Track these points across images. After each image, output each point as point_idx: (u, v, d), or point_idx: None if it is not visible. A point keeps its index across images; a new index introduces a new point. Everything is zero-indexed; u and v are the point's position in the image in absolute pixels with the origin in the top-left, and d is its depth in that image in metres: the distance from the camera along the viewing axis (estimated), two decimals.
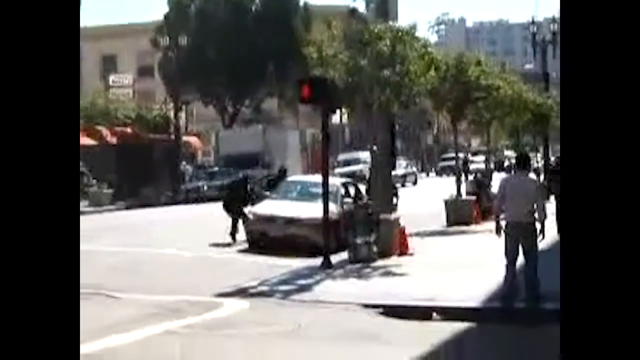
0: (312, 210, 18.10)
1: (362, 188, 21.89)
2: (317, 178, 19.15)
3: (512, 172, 13.34)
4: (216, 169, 43.92)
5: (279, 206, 19.80)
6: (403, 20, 19.19)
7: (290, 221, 19.01)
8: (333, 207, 17.78)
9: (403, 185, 46.49)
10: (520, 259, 11.30)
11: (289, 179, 24.25)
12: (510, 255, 11.25)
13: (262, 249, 18.72)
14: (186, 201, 37.76)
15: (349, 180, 23.93)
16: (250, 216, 19.62)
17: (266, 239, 19.14)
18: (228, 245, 19.90)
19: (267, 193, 21.79)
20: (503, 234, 11.39)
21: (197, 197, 38.41)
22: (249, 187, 22.07)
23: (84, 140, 40.99)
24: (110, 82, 50.18)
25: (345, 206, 19.11)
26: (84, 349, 9.08)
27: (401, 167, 48.87)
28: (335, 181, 20.66)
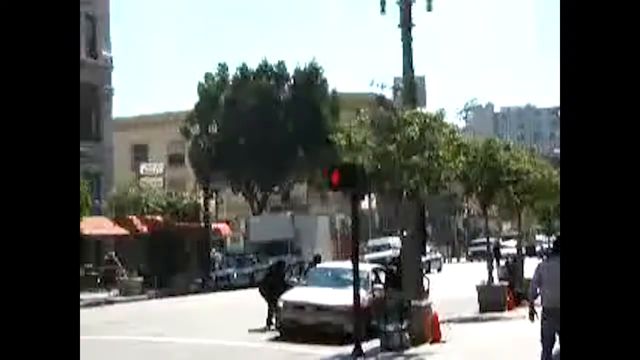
0: (342, 297, 17.95)
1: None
2: (347, 264, 19.05)
3: (545, 256, 13.16)
4: (247, 255, 43.93)
5: (310, 293, 19.67)
6: (431, 107, 19.33)
7: (321, 308, 18.86)
8: (363, 294, 17.63)
9: (428, 271, 46.01)
10: (556, 346, 11.06)
11: (319, 265, 24.16)
12: (547, 342, 11.01)
13: (294, 337, 18.53)
14: (215, 289, 37.63)
15: (379, 265, 23.78)
16: (281, 304, 19.48)
17: (298, 327, 18.97)
18: (262, 331, 19.72)
19: (296, 280, 21.69)
20: (538, 320, 11.17)
21: (227, 285, 38.32)
22: (284, 272, 22.07)
23: (116, 230, 41.34)
24: (142, 171, 50.70)
25: (375, 292, 18.95)
26: None
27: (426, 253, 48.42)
28: (365, 267, 20.54)
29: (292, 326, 19.06)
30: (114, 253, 39.47)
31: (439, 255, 57.21)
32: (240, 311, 25.99)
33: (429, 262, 50.40)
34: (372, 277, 20.00)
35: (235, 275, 39.68)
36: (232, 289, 37.10)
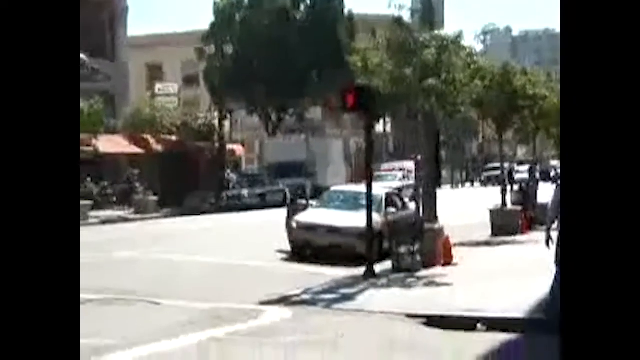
0: (355, 219, 18.07)
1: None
2: (360, 188, 19.13)
3: (559, 182, 13.10)
4: (259, 176, 44.06)
5: (323, 215, 19.83)
6: (449, 29, 19.08)
7: (333, 230, 19.01)
8: (376, 217, 17.72)
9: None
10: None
11: (333, 188, 24.25)
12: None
13: (306, 257, 18.74)
14: (227, 209, 37.83)
15: (393, 190, 23.87)
16: (294, 224, 19.64)
17: (310, 248, 19.16)
18: (278, 252, 19.95)
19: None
20: (554, 245, 11.18)
21: (237, 205, 38.38)
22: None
23: (131, 149, 41.52)
24: (156, 91, 50.55)
25: (388, 216, 19.06)
26: (131, 354, 9.20)
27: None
28: (378, 191, 20.61)
29: (305, 246, 19.27)
30: (136, 171, 39.69)
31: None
32: (252, 231, 26.22)
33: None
34: (385, 200, 20.08)
35: (247, 195, 39.76)
36: (244, 209, 37.28)
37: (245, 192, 40.15)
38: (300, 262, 18.37)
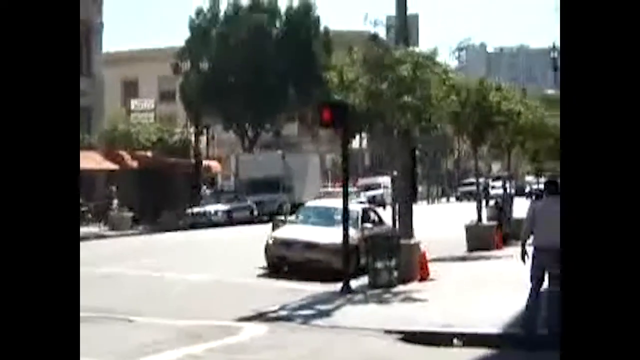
0: (331, 235, 18.07)
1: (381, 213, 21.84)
2: (336, 203, 19.12)
3: (534, 197, 13.14)
4: (229, 192, 43.80)
5: (299, 230, 19.80)
6: (424, 46, 19.23)
7: (309, 246, 18.99)
8: (353, 232, 17.74)
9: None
10: (544, 285, 11.18)
11: (308, 204, 24.25)
12: (535, 281, 11.12)
13: (282, 273, 18.71)
14: (192, 226, 36.86)
15: (369, 205, 23.93)
16: (271, 241, 19.61)
17: (286, 264, 19.14)
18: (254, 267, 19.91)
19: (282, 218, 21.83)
20: (529, 260, 11.25)
21: (203, 222, 37.31)
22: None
23: (106, 165, 41.31)
24: (132, 107, 50.42)
25: (365, 231, 19.08)
26: None
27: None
28: (355, 207, 20.64)
29: (281, 263, 19.23)
30: (115, 188, 39.46)
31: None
32: (227, 247, 26.15)
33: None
34: (361, 216, 20.09)
35: (212, 211, 38.72)
36: (210, 225, 36.53)
37: (211, 208, 39.12)
38: (277, 278, 18.33)
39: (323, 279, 17.24)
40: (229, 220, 38.29)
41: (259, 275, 18.97)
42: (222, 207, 39.17)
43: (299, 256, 18.98)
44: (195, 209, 39.19)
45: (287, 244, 19.28)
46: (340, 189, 37.98)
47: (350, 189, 19.53)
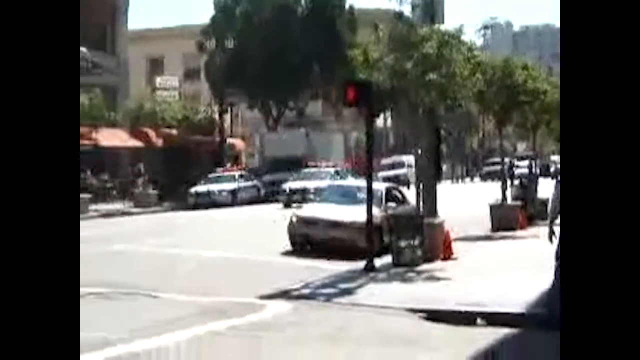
0: (354, 213, 18.07)
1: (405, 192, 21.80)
2: (360, 182, 19.08)
3: (559, 177, 13.04)
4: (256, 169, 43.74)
5: (322, 209, 19.83)
6: (449, 24, 19.08)
7: (333, 224, 19.01)
8: (376, 211, 17.70)
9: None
10: None
11: (332, 182, 24.27)
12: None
13: (305, 252, 18.75)
14: (194, 206, 36.03)
15: (393, 184, 23.90)
16: (294, 219, 19.64)
17: (309, 242, 19.18)
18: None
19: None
20: (556, 240, 11.15)
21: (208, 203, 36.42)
22: None
23: (131, 142, 41.54)
24: (157, 84, 50.56)
25: (388, 210, 19.06)
26: (132, 347, 9.20)
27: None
28: (378, 185, 20.62)
29: (305, 241, 19.28)
30: (141, 165, 39.66)
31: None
32: (248, 225, 26.23)
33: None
34: (385, 194, 20.07)
35: (216, 191, 37.42)
36: (213, 206, 35.56)
37: (214, 187, 37.83)
38: (300, 256, 18.37)
39: (346, 258, 17.25)
40: (233, 200, 37.19)
41: (282, 254, 19.02)
42: (224, 186, 37.82)
43: (322, 234, 19.02)
44: (199, 188, 37.80)
45: (311, 222, 19.31)
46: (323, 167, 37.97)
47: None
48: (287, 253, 19.06)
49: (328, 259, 17.51)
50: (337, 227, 18.92)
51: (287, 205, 32.26)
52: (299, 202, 28.64)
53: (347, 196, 20.43)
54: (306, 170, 38.51)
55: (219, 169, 40.83)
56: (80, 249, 5.59)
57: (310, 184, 33.84)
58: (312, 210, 20.13)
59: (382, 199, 19.55)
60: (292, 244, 19.49)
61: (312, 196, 29.61)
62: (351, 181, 25.41)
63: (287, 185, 35.69)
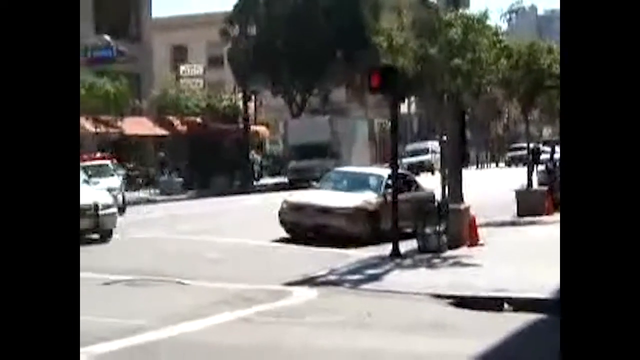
0: (346, 199, 17.88)
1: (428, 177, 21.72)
2: (364, 169, 18.79)
3: None
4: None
5: (313, 195, 19.59)
6: (474, 8, 18.95)
7: (321, 210, 18.58)
8: (372, 197, 17.53)
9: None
10: None
11: (337, 169, 24.06)
12: None
13: (297, 239, 18.40)
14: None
15: (404, 172, 23.67)
16: (284, 205, 19.27)
17: (298, 229, 18.82)
18: None
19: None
20: None
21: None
22: None
23: (156, 130, 41.71)
24: (181, 72, 50.67)
25: (388, 197, 18.78)
26: (160, 334, 9.28)
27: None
28: (380, 172, 20.42)
29: (295, 228, 18.89)
30: (163, 154, 39.88)
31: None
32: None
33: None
34: (388, 181, 19.71)
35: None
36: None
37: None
38: (321, 245, 18.28)
39: (339, 245, 17.02)
40: None
41: (291, 240, 18.94)
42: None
43: (310, 221, 18.55)
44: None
45: (300, 208, 18.89)
46: None
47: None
48: (285, 240, 18.83)
49: (350, 247, 17.38)
50: (325, 214, 18.46)
51: None
52: None
53: (346, 182, 20.12)
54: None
55: None
56: (80, 244, 5.60)
57: None
58: (303, 196, 19.94)
59: (380, 185, 19.27)
60: (286, 231, 19.08)
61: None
62: (355, 168, 24.94)
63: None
